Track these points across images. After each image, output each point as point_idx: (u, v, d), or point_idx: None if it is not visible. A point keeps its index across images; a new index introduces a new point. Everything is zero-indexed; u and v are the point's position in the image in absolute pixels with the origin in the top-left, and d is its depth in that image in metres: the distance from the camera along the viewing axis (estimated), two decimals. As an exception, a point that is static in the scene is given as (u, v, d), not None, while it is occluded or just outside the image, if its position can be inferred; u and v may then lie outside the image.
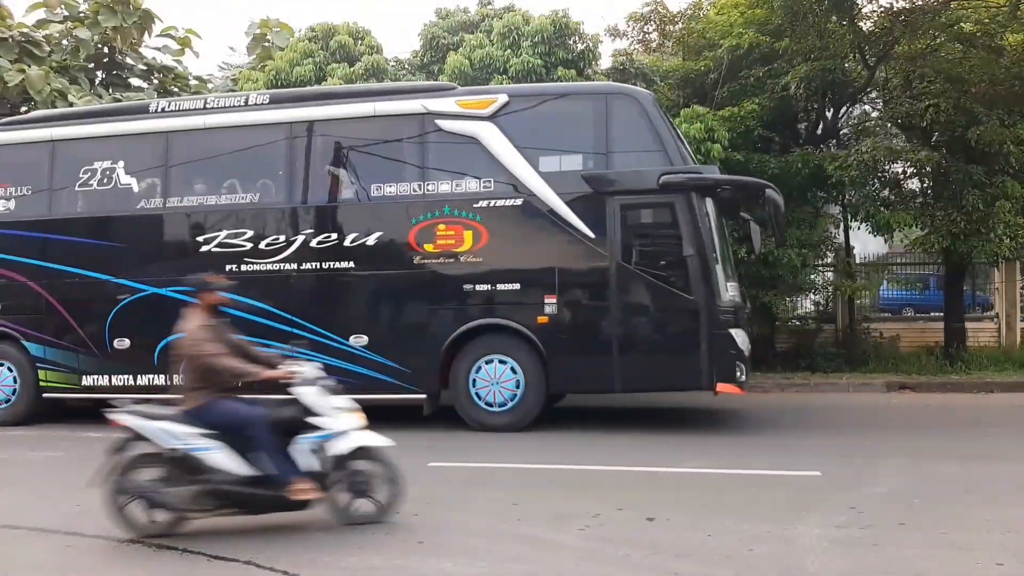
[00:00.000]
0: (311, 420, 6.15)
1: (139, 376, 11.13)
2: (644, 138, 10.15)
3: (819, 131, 16.47)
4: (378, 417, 11.12)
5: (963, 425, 10.79)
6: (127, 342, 11.18)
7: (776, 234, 11.21)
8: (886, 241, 16.68)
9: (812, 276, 16.62)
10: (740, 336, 10.14)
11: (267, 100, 11.42)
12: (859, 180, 14.50)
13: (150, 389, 11.14)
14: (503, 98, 10.57)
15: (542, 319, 10.17)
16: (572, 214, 10.10)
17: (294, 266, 10.77)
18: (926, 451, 8.91)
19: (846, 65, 15.27)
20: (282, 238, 10.81)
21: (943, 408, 12.14)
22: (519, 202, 10.26)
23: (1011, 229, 13.99)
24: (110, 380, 11.25)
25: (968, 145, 14.19)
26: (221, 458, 6.00)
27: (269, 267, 10.81)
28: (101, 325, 11.21)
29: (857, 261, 17.55)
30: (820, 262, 16.89)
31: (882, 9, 14.52)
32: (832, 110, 16.43)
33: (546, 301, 10.18)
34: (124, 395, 11.06)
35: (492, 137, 10.34)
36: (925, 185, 15.61)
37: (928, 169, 14.72)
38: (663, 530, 6.12)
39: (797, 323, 17.04)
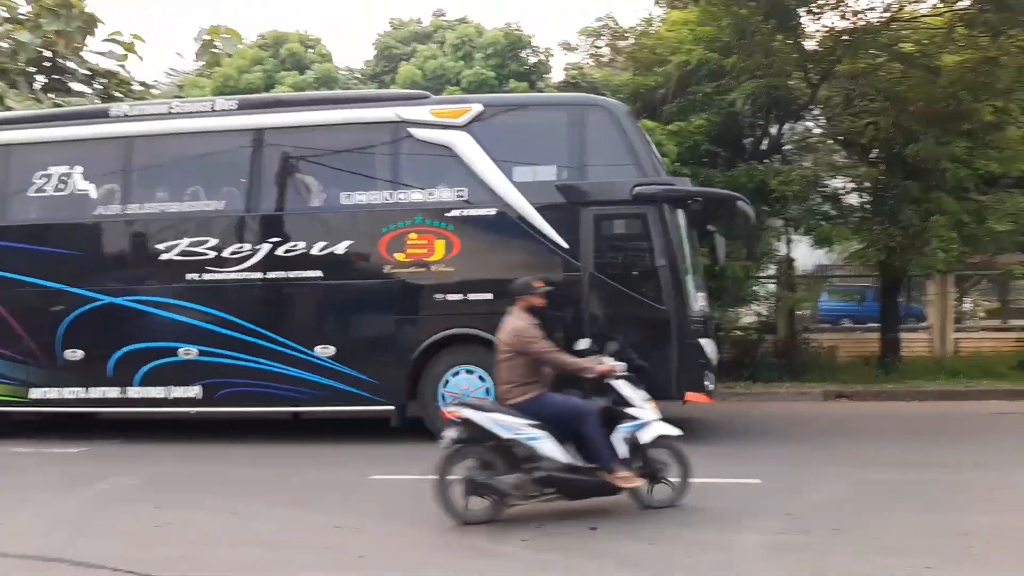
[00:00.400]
0: (627, 411, 6.68)
1: (92, 388, 10.77)
2: (618, 149, 10.18)
3: (764, 146, 16.79)
4: (342, 428, 11.09)
5: (897, 433, 11.04)
6: (80, 353, 10.79)
7: (748, 246, 11.40)
8: (827, 254, 17.14)
9: (755, 287, 17.00)
10: (709, 346, 10.29)
11: (235, 106, 11.13)
12: (801, 195, 14.92)
13: (103, 402, 10.87)
14: (477, 107, 10.48)
15: None
16: (545, 224, 10.08)
17: (259, 275, 10.53)
18: (861, 458, 9.11)
19: (790, 83, 15.60)
20: (247, 246, 10.57)
21: (878, 416, 12.38)
22: (492, 212, 10.19)
23: (945, 243, 14.33)
24: (61, 392, 10.84)
25: (905, 162, 14.67)
26: (550, 447, 6.47)
27: (233, 276, 10.56)
28: (52, 335, 10.79)
29: (798, 273, 18.02)
30: (763, 274, 17.31)
31: (826, 29, 14.96)
32: (776, 126, 16.80)
33: None
34: (75, 408, 10.92)
35: (466, 146, 10.27)
36: (864, 200, 16.12)
37: (867, 184, 15.27)
38: (606, 539, 6.21)
39: (740, 333, 17.28)
